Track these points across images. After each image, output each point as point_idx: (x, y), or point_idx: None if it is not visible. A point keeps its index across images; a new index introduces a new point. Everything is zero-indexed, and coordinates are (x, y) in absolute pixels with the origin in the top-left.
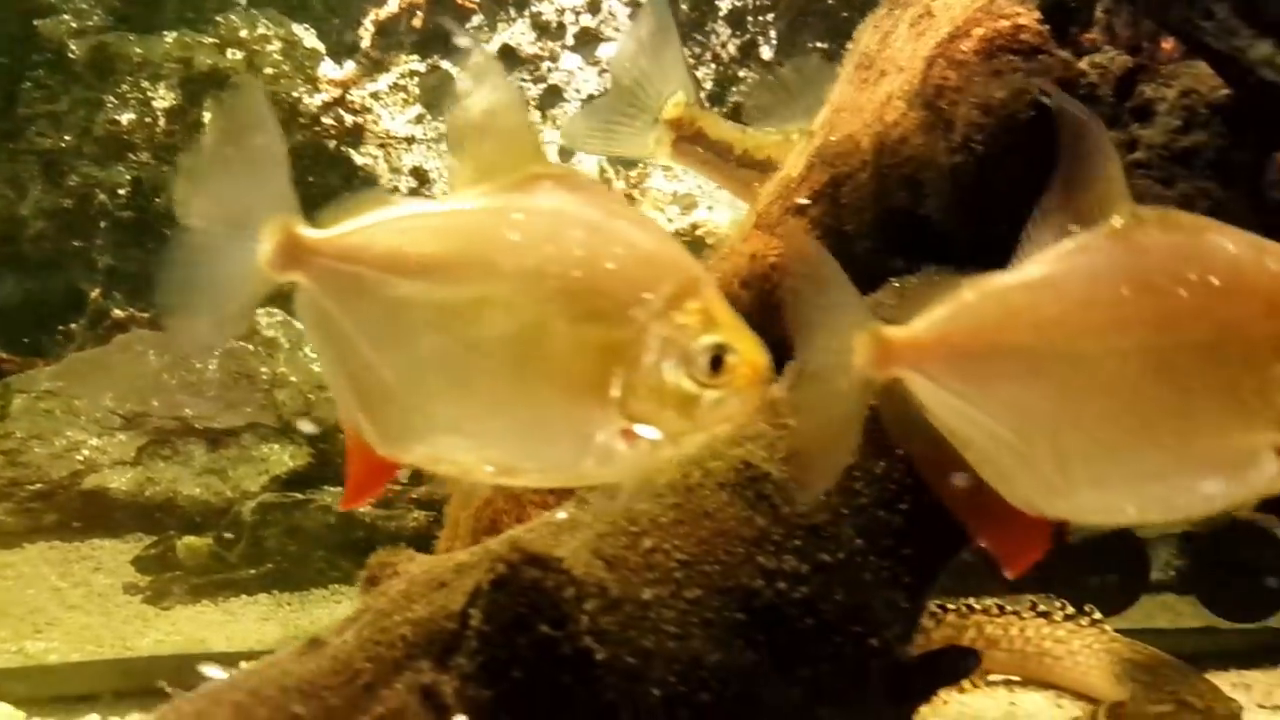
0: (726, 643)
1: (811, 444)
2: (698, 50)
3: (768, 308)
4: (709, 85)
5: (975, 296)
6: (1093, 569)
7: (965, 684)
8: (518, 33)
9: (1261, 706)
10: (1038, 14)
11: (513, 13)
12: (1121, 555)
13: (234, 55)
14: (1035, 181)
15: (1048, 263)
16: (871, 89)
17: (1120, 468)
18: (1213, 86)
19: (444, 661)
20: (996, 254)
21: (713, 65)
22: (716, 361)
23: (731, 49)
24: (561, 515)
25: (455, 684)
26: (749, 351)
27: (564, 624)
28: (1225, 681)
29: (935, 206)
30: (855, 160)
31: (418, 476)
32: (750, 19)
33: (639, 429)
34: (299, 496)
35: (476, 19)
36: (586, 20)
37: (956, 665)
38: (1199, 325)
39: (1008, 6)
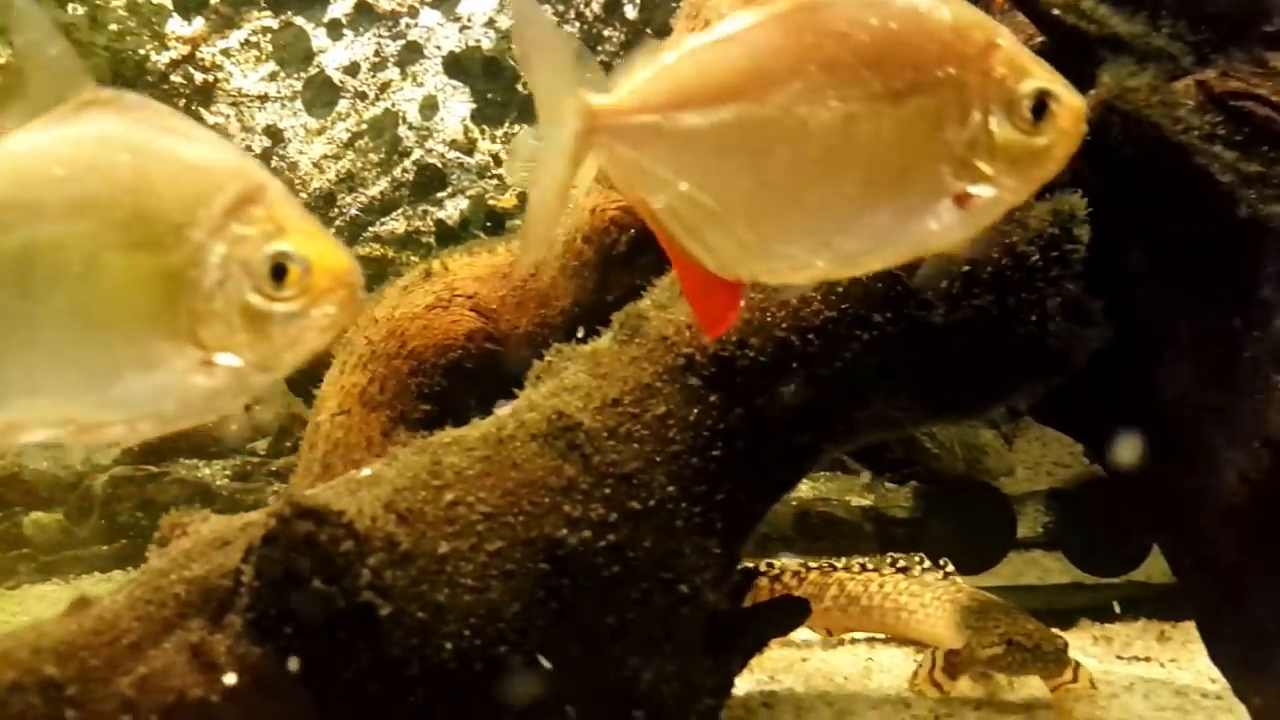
0: (528, 594)
1: (531, 214)
2: (560, 8)
3: (609, 261)
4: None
5: (672, 59)
6: (960, 527)
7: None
8: None
9: (1120, 658)
10: None
11: None
12: (988, 513)
13: (75, 10)
14: None
15: (738, 22)
16: (691, 21)
17: (809, 220)
18: (1030, 35)
19: (218, 620)
20: None
21: (576, 24)
22: (283, 271)
23: (596, 7)
24: (366, 471)
25: (228, 643)
26: (325, 256)
27: (340, 579)
28: (1088, 634)
29: None
30: None
31: (279, 448)
32: None
33: (219, 358)
34: (153, 470)
35: None
36: None
37: (785, 617)
38: (881, 75)
39: None
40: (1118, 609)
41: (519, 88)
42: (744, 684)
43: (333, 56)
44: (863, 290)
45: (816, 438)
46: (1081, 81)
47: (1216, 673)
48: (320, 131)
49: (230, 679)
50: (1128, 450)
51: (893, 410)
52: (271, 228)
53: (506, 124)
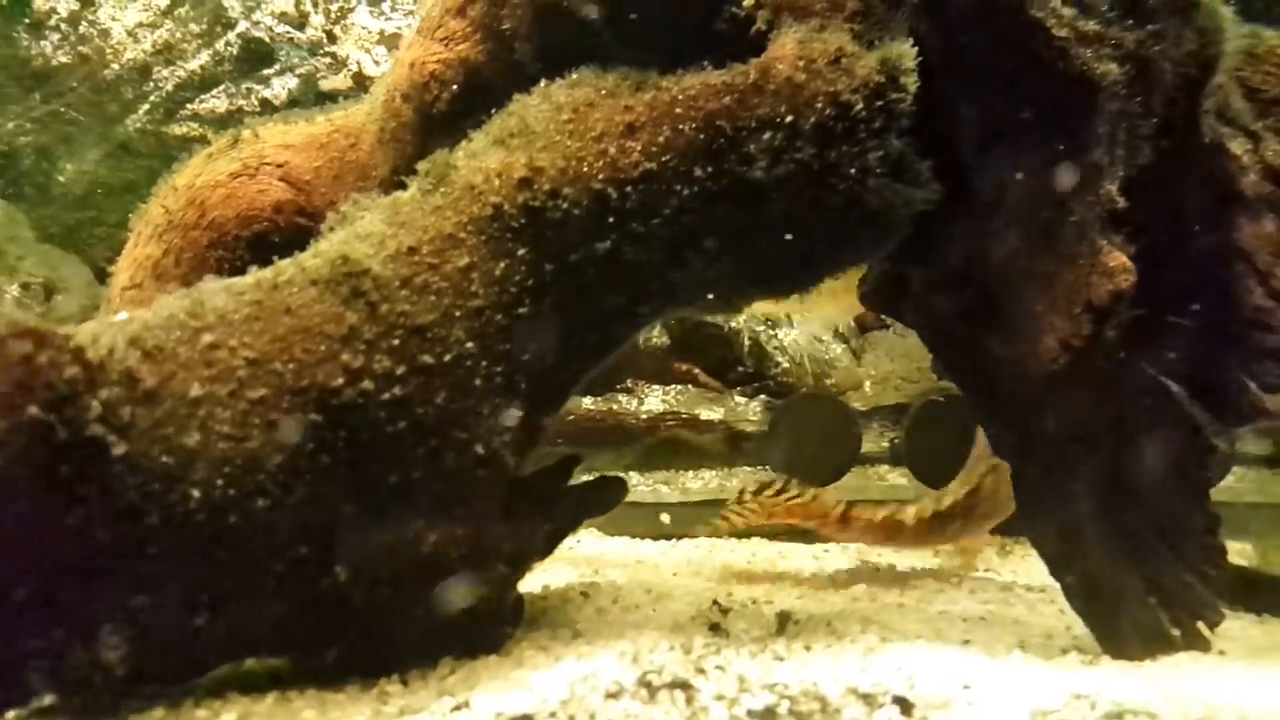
0: (294, 445)
1: None
2: None
3: (430, 121)
4: None
5: None
6: (806, 440)
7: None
8: None
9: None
10: None
11: None
12: (835, 427)
13: None
14: None
15: None
16: None
17: None
18: None
19: None
20: (641, 58)
21: None
22: None
23: None
24: (123, 315)
25: None
26: None
27: (62, 407)
28: (927, 549)
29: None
30: None
31: None
32: None
33: None
34: None
35: None
36: None
37: (605, 495)
38: None
39: None
40: None
41: None
42: (566, 577)
43: None
44: (685, 142)
45: (632, 300)
46: None
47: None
48: None
49: None
50: (951, 320)
51: (714, 275)
52: None
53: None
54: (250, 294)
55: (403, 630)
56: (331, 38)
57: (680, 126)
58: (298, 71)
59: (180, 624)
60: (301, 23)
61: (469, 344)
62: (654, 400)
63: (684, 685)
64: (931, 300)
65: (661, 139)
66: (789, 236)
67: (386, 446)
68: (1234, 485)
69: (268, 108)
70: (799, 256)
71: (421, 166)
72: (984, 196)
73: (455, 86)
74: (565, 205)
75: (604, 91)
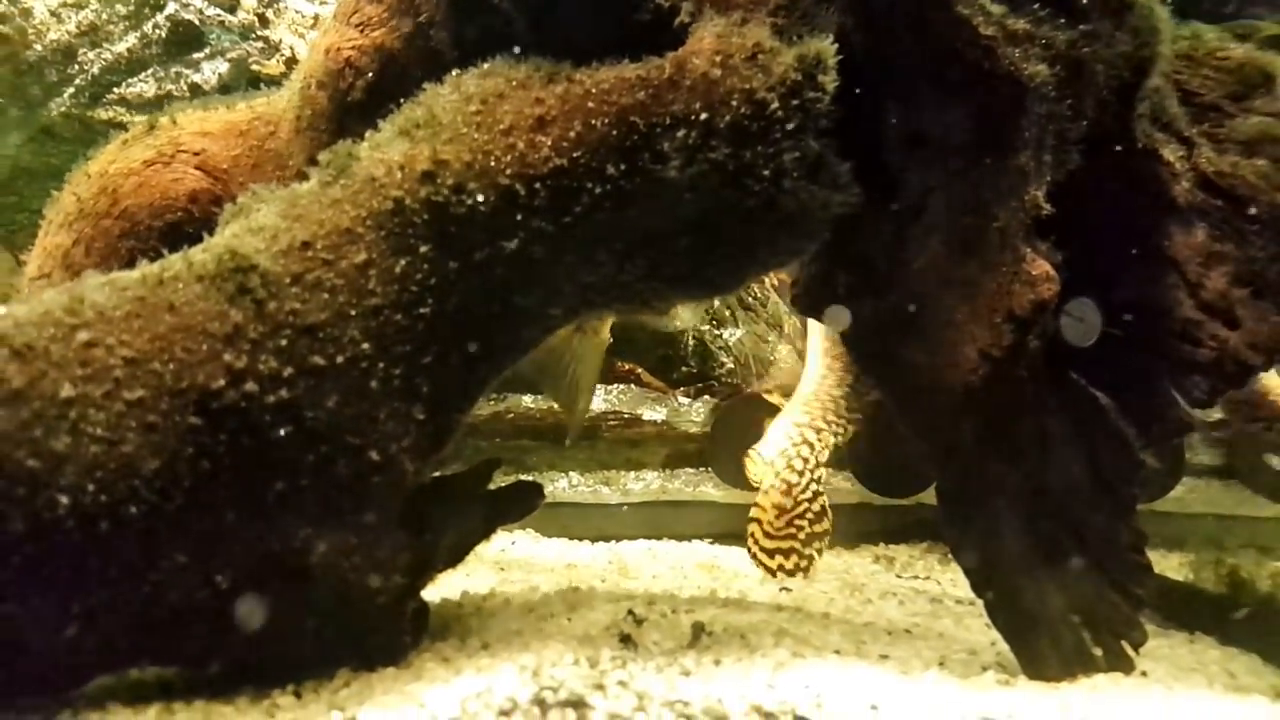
0: (172, 449)
1: None
2: None
3: (345, 110)
4: None
5: None
6: (749, 443)
7: None
8: None
9: (899, 576)
10: None
11: None
12: None
13: None
14: None
15: None
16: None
17: None
18: None
19: None
20: (560, 49)
21: None
22: None
23: None
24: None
25: None
26: None
27: None
28: (869, 554)
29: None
30: None
31: None
32: None
33: None
34: None
35: None
36: None
37: (520, 501)
38: None
39: None
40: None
41: None
42: (489, 582)
43: None
44: (597, 138)
45: (542, 300)
46: None
47: None
48: None
49: None
50: (873, 325)
51: (629, 276)
52: None
53: None
54: (134, 290)
55: (292, 641)
56: (264, 21)
57: (593, 121)
58: (229, 56)
59: (50, 635)
60: (233, 6)
61: (365, 345)
62: (595, 400)
63: (579, 704)
64: (854, 304)
65: (573, 134)
66: (705, 237)
67: (273, 452)
68: (1182, 496)
69: (197, 92)
70: (716, 258)
71: (323, 157)
72: (908, 199)
73: (371, 74)
74: (470, 201)
75: (515, 83)
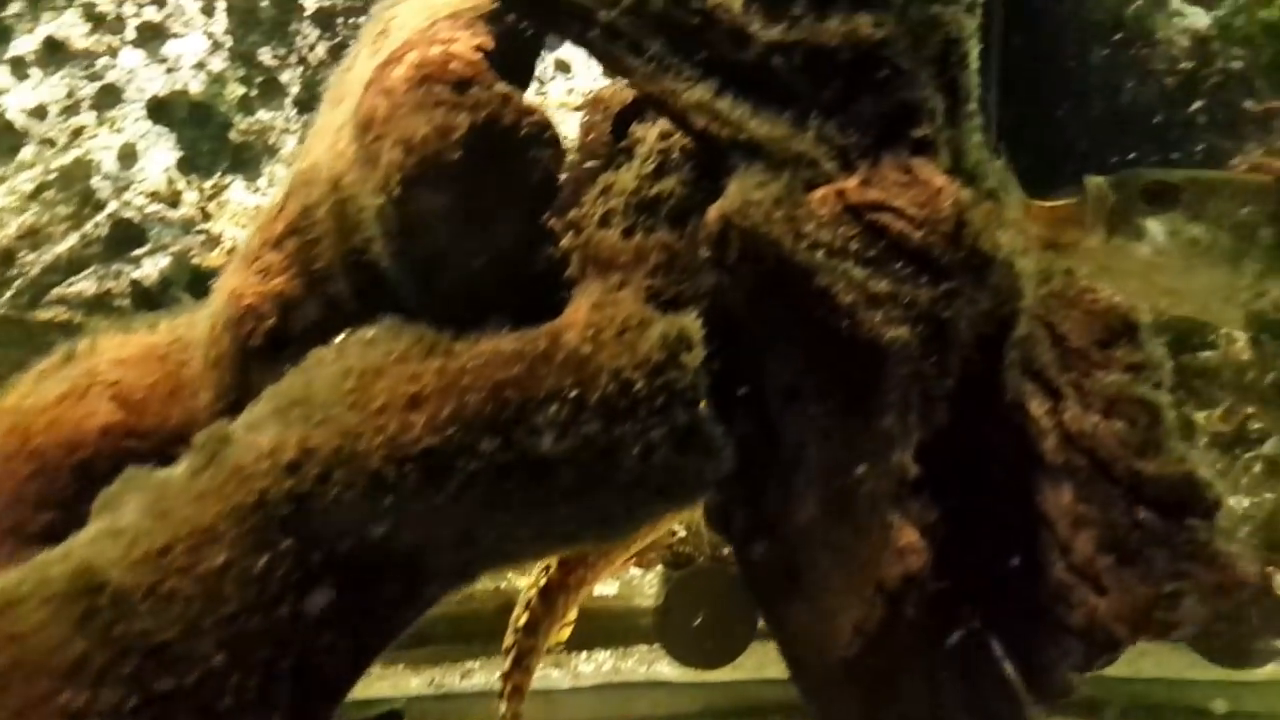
0: None
1: None
2: (282, 53)
3: (248, 355)
4: (295, 90)
5: None
6: (703, 615)
7: None
8: (67, 24)
9: None
10: (482, 40)
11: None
12: (733, 601)
13: None
14: (469, 230)
15: None
16: (334, 111)
17: None
18: None
19: None
20: (445, 312)
21: (300, 69)
22: None
23: (320, 51)
24: None
25: None
26: None
27: None
28: None
29: (379, 252)
30: (318, 190)
31: None
32: (340, 20)
33: None
34: None
35: (15, 5)
36: (151, 14)
37: None
38: None
39: (449, 30)
40: None
41: (231, 135)
42: None
43: (16, 98)
44: (471, 414)
45: (413, 584)
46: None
47: None
48: (0, 181)
49: None
50: (763, 572)
51: (510, 546)
52: None
53: (217, 174)
54: None
55: None
56: (205, 215)
57: (467, 398)
58: (170, 250)
59: None
60: (174, 200)
61: (218, 658)
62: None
63: None
64: (748, 546)
65: (446, 412)
66: (584, 505)
67: None
68: None
69: (139, 289)
70: (597, 523)
71: (197, 439)
72: (788, 452)
73: (271, 321)
74: (337, 490)
75: (394, 356)
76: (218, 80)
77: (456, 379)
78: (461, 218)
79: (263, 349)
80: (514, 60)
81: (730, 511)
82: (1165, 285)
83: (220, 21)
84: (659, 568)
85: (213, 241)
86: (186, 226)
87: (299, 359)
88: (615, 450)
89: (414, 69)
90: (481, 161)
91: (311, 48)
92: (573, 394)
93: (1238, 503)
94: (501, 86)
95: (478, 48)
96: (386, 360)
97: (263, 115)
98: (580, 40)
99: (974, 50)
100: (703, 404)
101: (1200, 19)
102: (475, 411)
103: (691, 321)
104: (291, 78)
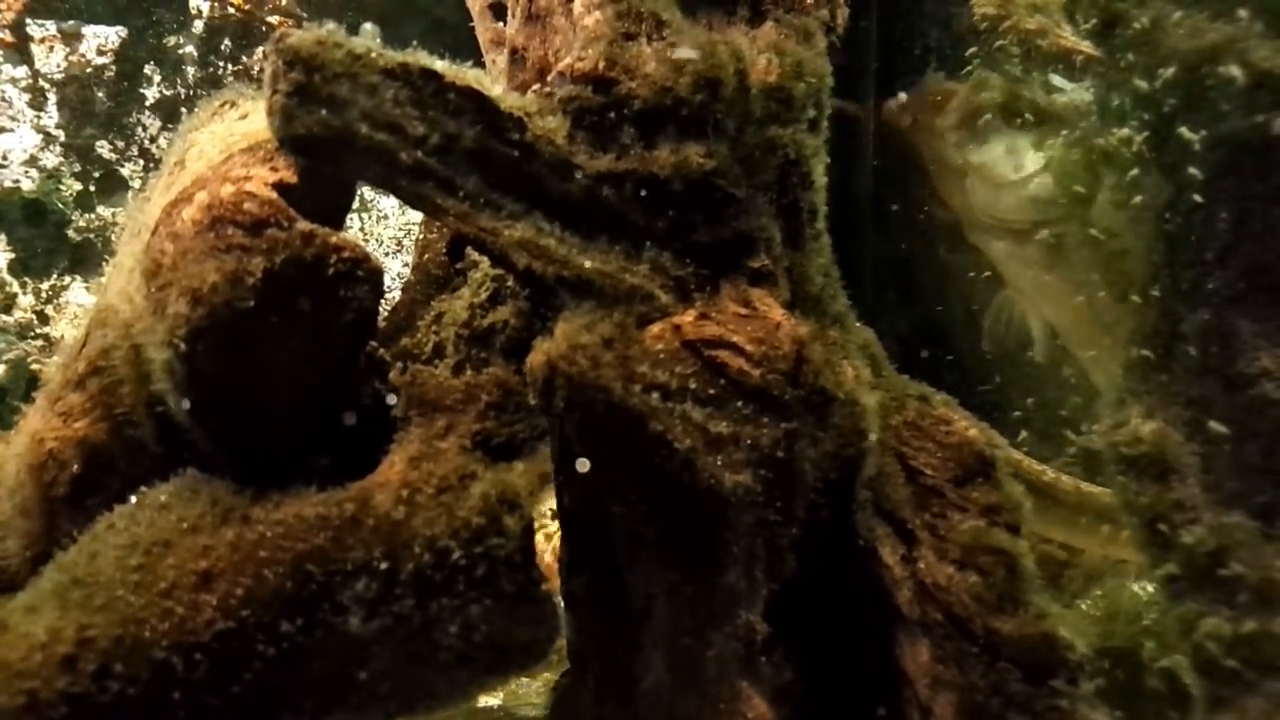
0: None
1: None
2: (121, 145)
3: (53, 503)
4: (137, 184)
5: None
6: None
7: None
8: None
9: None
10: (283, 174)
11: None
12: None
13: None
14: (268, 384)
15: None
16: (133, 242)
17: None
18: None
19: None
20: (246, 467)
21: (141, 161)
22: None
23: (163, 142)
24: None
25: None
26: None
27: None
28: None
29: (173, 407)
30: (114, 334)
31: None
32: (184, 110)
33: None
34: None
35: None
36: None
37: None
38: None
39: (244, 165)
40: None
41: (69, 233)
42: None
43: None
44: (269, 592)
45: None
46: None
47: None
48: None
49: None
50: None
51: None
52: None
53: (54, 275)
54: None
55: None
56: (44, 318)
57: (264, 573)
58: (6, 357)
59: None
60: (9, 304)
61: None
62: None
63: None
64: (600, 707)
65: (240, 590)
66: (405, 683)
67: None
68: None
69: None
70: (426, 697)
71: None
72: (637, 603)
73: (75, 469)
74: (116, 686)
75: (186, 525)
76: (52, 176)
77: (253, 551)
78: (257, 371)
79: (68, 497)
80: (325, 192)
81: (585, 661)
82: None
83: (52, 114)
84: (544, 675)
85: (51, 346)
86: (23, 331)
87: (109, 506)
88: (431, 629)
89: (204, 210)
90: (281, 308)
91: (153, 139)
92: (383, 566)
93: None
94: (303, 225)
95: (277, 184)
96: (177, 531)
97: (103, 211)
98: (384, 183)
99: (818, 167)
100: (535, 569)
101: None
102: (274, 589)
103: (520, 475)
104: (133, 171)
